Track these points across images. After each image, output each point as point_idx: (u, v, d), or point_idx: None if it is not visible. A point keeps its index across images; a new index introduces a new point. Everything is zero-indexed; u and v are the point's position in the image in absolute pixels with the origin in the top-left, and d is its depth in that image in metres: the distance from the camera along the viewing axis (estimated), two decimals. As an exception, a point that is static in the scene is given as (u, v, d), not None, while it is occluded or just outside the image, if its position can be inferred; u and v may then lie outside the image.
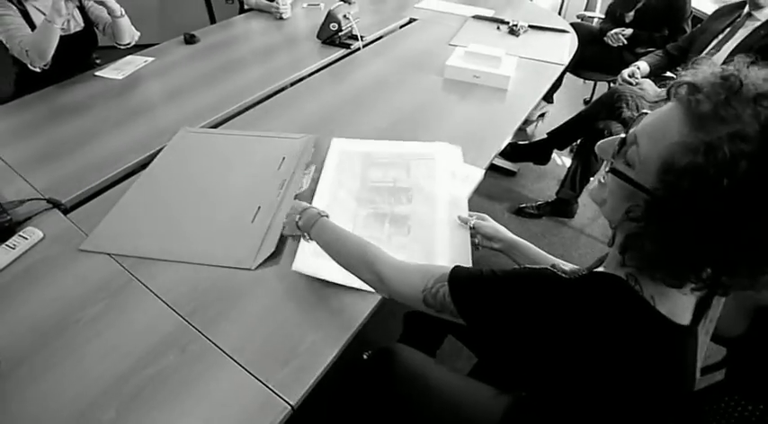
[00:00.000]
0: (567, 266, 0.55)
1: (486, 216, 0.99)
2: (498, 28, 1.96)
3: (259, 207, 0.98)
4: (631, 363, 0.53)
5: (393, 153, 1.16)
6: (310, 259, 0.86)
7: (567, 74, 2.33)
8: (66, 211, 1.02)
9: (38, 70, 1.45)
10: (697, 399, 0.98)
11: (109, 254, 0.90)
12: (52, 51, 1.40)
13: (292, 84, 1.56)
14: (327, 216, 0.84)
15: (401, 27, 2.04)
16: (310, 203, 0.95)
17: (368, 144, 1.19)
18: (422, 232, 0.95)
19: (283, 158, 1.13)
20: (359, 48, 1.78)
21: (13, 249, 0.89)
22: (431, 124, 1.30)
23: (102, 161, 1.16)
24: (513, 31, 1.92)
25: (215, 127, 1.32)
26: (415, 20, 2.08)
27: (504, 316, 0.59)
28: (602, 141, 0.57)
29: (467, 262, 0.91)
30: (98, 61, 1.77)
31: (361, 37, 1.81)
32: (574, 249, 1.92)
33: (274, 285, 0.85)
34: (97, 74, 1.59)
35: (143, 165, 1.15)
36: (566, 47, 1.81)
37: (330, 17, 1.73)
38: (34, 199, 1.01)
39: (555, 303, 0.55)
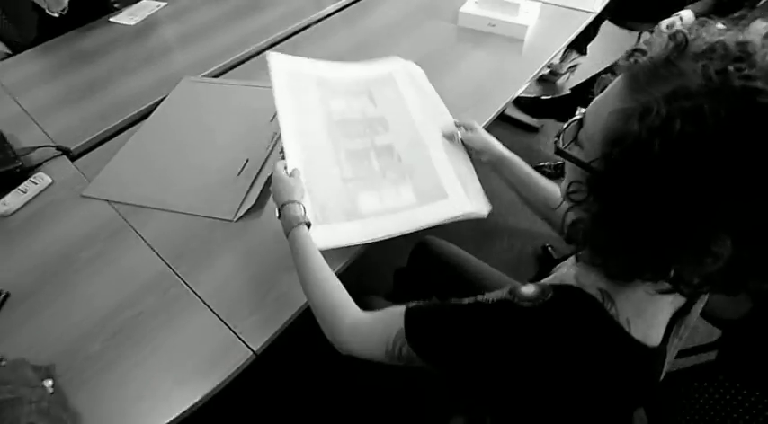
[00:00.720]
0: (530, 288, 0.51)
1: (476, 125, 0.95)
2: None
3: (247, 160, 1.00)
4: (598, 387, 0.50)
5: (348, 79, 1.06)
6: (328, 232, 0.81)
7: (607, 22, 2.12)
8: (73, 158, 1.09)
9: (56, 15, 1.48)
10: (685, 377, 0.97)
11: (108, 201, 0.96)
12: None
13: (303, 29, 1.52)
14: (309, 224, 0.76)
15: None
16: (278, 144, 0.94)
17: (314, 65, 1.07)
18: (414, 155, 0.93)
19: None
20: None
21: (25, 193, 0.96)
22: (437, 74, 1.24)
23: (110, 109, 1.21)
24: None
25: (219, 75, 1.32)
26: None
27: (468, 359, 0.54)
28: (564, 125, 0.53)
29: (474, 181, 0.95)
30: (116, 5, 1.78)
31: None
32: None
33: (252, 237, 0.88)
34: (111, 20, 1.61)
35: (147, 114, 1.19)
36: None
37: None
38: (45, 146, 1.08)
39: (518, 339, 0.50)
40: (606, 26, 2.20)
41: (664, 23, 1.68)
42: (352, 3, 1.64)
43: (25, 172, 1.00)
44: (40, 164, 1.05)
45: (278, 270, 0.83)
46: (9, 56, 1.61)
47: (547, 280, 0.55)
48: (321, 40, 1.44)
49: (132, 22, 1.58)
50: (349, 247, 0.82)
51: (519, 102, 2.16)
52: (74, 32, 1.54)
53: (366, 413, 1.18)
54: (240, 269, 0.84)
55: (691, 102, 0.36)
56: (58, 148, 1.08)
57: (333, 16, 1.57)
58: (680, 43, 0.40)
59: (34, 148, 1.07)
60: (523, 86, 1.24)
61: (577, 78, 2.44)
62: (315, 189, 0.85)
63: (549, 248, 1.65)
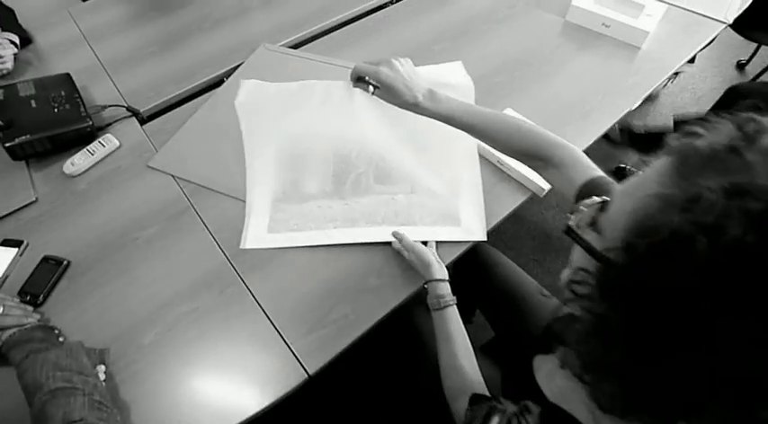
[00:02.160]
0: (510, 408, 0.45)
1: (395, 63, 0.70)
2: (654, -43, 1.55)
3: (321, 154, 0.93)
4: None
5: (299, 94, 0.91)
6: (265, 234, 0.82)
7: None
8: (142, 121, 1.05)
9: None
10: None
11: (173, 176, 0.92)
12: None
13: (390, 4, 1.39)
14: (456, 304, 0.73)
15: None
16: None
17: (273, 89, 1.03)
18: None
19: (356, 97, 1.04)
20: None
21: (92, 155, 0.93)
22: (534, 77, 1.11)
23: (183, 71, 1.15)
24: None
25: (298, 46, 1.23)
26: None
27: None
28: (583, 202, 0.42)
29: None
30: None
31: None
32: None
33: (320, 247, 0.82)
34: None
35: (220, 82, 1.13)
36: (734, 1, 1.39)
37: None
38: (116, 105, 1.04)
39: None
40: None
41: None
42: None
43: (94, 132, 0.97)
44: (110, 124, 1.02)
45: (344, 289, 0.76)
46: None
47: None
48: (406, 20, 1.30)
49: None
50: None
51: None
52: (154, -23, 1.48)
53: (403, 410, 1.14)
54: (303, 279, 0.78)
55: (760, 205, 0.27)
56: (128, 109, 1.04)
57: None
58: (751, 132, 0.30)
59: (105, 107, 1.03)
60: (635, 104, 1.08)
61: (679, 89, 2.18)
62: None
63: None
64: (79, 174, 0.92)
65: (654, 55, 1.18)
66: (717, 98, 1.64)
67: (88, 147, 0.94)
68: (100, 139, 0.96)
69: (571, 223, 0.41)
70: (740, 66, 2.28)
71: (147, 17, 1.34)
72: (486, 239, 0.81)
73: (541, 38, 1.23)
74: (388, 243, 0.80)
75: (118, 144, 0.97)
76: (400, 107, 0.70)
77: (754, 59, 2.21)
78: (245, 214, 0.84)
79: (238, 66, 1.15)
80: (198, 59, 1.18)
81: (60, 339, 0.70)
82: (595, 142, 0.99)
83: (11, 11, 1.29)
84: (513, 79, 1.11)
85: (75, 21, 1.33)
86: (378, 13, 1.34)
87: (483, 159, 0.92)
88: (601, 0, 1.24)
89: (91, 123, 0.96)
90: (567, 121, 1.00)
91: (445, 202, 0.83)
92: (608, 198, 0.39)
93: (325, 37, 1.26)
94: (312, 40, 1.25)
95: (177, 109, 1.07)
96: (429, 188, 0.85)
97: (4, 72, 1.12)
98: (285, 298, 0.75)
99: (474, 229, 0.81)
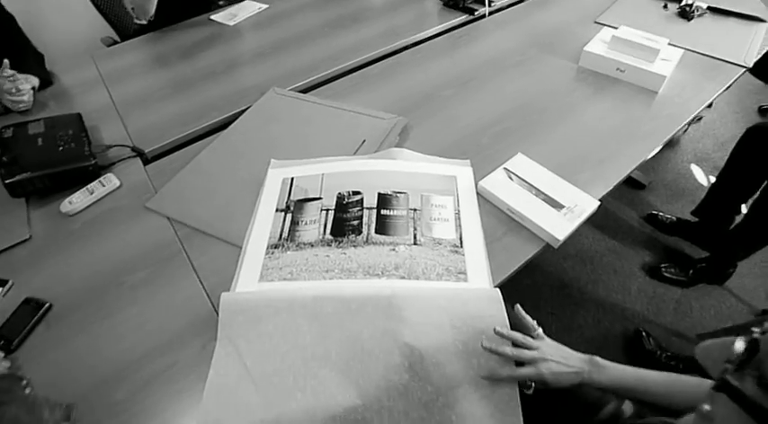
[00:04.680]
0: None
1: (544, 351, 0.66)
2: (665, 6, 1.54)
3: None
4: None
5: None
6: (255, 283, 0.76)
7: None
8: (147, 161, 1.04)
9: (144, 22, 1.49)
10: None
11: (169, 218, 0.89)
12: (152, 10, 1.44)
13: (399, 51, 1.40)
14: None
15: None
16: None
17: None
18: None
19: (363, 141, 1.02)
20: (483, 16, 1.54)
21: (91, 194, 0.92)
22: (548, 122, 1.07)
23: (191, 112, 1.16)
24: (684, 13, 1.49)
25: (306, 91, 1.24)
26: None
27: None
28: (708, 342, 0.38)
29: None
30: (221, 2, 1.78)
31: (490, 1, 1.56)
32: (694, 296, 1.55)
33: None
34: (212, 17, 1.60)
35: (227, 123, 1.13)
36: (756, 41, 1.35)
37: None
38: (120, 145, 1.04)
39: None
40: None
41: None
42: (459, 26, 1.50)
43: (97, 171, 0.96)
44: (114, 164, 1.01)
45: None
46: (116, 43, 1.65)
47: None
48: (416, 66, 1.31)
49: (231, 23, 1.55)
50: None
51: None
52: (175, 26, 1.55)
53: None
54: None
55: None
56: (133, 149, 1.04)
57: (435, 39, 1.44)
58: None
59: (110, 147, 1.03)
60: (655, 150, 1.03)
61: (701, 134, 2.13)
62: None
63: (644, 334, 1.40)
64: (76, 213, 0.90)
65: (672, 100, 1.14)
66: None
67: (88, 186, 0.93)
68: (101, 178, 0.95)
69: (727, 374, 0.36)
70: (762, 112, 2.22)
71: (167, 62, 1.38)
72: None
73: (554, 83, 1.21)
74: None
75: (118, 183, 0.95)
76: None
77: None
78: (237, 261, 0.80)
79: (246, 108, 1.15)
80: (207, 102, 1.19)
81: (27, 390, 0.64)
82: (617, 189, 0.94)
83: (40, 55, 1.35)
84: (524, 124, 1.07)
85: (97, 64, 1.37)
86: (388, 59, 1.35)
87: (489, 204, 0.87)
88: (614, 45, 1.21)
89: (93, 162, 0.95)
90: (581, 168, 0.95)
91: (450, 254, 0.77)
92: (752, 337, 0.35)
93: (335, 82, 1.27)
94: (321, 85, 1.26)
95: (182, 150, 1.06)
96: (432, 238, 0.80)
97: (22, 107, 1.15)
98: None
99: (483, 284, 0.75)
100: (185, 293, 0.77)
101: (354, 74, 1.29)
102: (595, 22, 1.47)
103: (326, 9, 1.61)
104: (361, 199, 0.85)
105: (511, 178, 0.89)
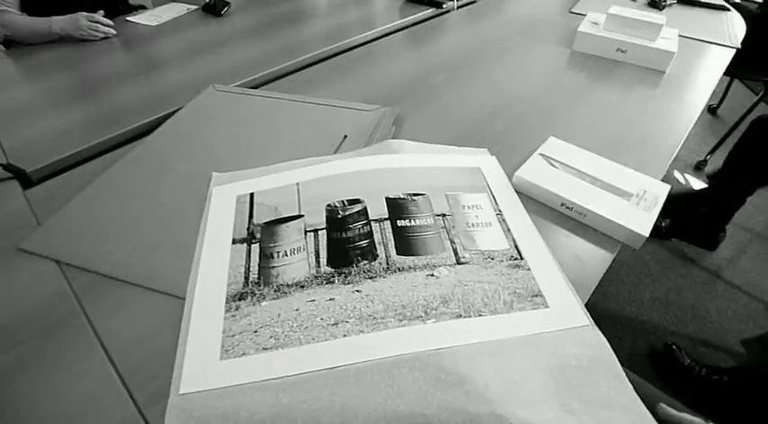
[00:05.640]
0: None
1: None
2: (635, -2, 1.49)
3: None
4: None
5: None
6: (216, 363, 0.45)
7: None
8: (29, 184, 0.71)
9: None
10: None
11: (58, 262, 0.57)
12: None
13: (355, 47, 1.19)
14: None
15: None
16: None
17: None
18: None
19: (345, 136, 0.77)
20: (450, 10, 1.39)
21: (-77, 236, 0.58)
22: (559, 111, 0.89)
23: (98, 120, 0.85)
24: (654, 4, 1.45)
25: (256, 87, 0.97)
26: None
27: None
28: None
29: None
30: (140, 7, 1.48)
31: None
32: (708, 298, 1.42)
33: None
34: (130, 19, 1.30)
35: (149, 130, 0.83)
36: (731, 28, 1.32)
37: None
38: (-12, 165, 0.70)
39: None
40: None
41: None
42: (428, 19, 1.33)
43: (-59, 203, 0.62)
44: (-24, 191, 0.68)
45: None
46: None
47: None
48: (395, 53, 1.10)
49: (154, 23, 1.27)
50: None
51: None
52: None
53: None
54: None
55: None
56: (6, 168, 0.71)
57: (394, 35, 1.24)
58: None
59: (-30, 166, 0.69)
60: (686, 131, 0.87)
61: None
62: None
63: (675, 347, 1.21)
64: None
65: (681, 78, 1.02)
66: None
67: None
68: (-55, 213, 0.61)
69: None
70: (712, 110, 2.26)
71: (65, 67, 1.06)
72: (590, 323, 0.50)
73: (551, 68, 1.05)
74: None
75: (-23, 218, 0.62)
76: None
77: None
78: (179, 324, 0.49)
79: (177, 111, 0.86)
80: (121, 106, 0.89)
81: None
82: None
83: None
84: (537, 110, 0.88)
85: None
86: (337, 57, 1.11)
87: (531, 200, 0.65)
88: (611, 25, 1.08)
89: (-70, 188, 0.61)
90: (625, 150, 0.76)
91: (511, 270, 0.53)
92: None
93: (295, 74, 1.01)
94: (274, 81, 1.00)
95: (82, 166, 0.74)
96: (480, 251, 0.54)
97: None
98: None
99: (571, 308, 0.50)
100: (88, 378, 0.45)
101: (318, 65, 1.05)
102: (570, 12, 1.36)
103: (265, 10, 1.38)
104: (364, 209, 0.59)
105: (553, 165, 0.67)
